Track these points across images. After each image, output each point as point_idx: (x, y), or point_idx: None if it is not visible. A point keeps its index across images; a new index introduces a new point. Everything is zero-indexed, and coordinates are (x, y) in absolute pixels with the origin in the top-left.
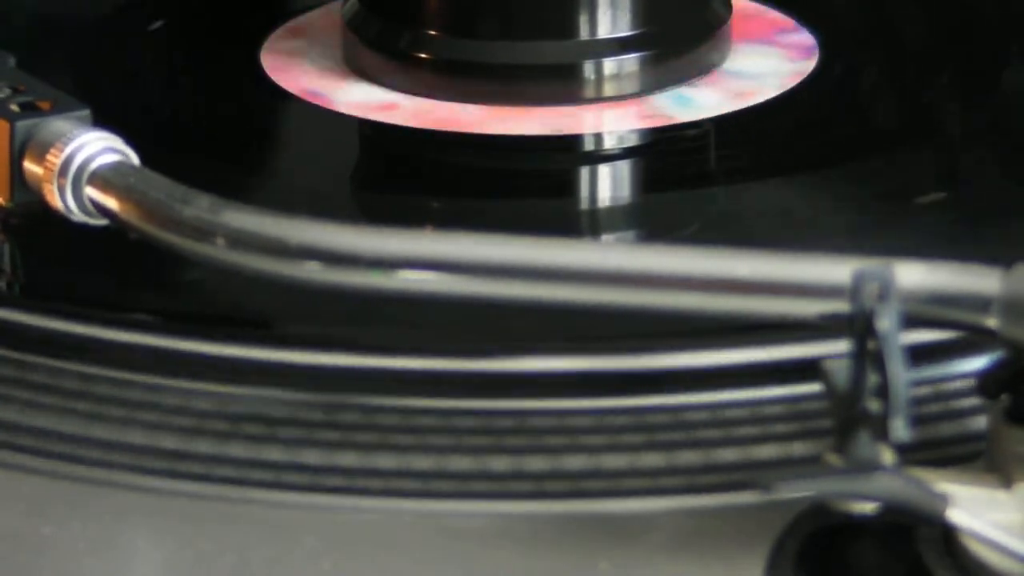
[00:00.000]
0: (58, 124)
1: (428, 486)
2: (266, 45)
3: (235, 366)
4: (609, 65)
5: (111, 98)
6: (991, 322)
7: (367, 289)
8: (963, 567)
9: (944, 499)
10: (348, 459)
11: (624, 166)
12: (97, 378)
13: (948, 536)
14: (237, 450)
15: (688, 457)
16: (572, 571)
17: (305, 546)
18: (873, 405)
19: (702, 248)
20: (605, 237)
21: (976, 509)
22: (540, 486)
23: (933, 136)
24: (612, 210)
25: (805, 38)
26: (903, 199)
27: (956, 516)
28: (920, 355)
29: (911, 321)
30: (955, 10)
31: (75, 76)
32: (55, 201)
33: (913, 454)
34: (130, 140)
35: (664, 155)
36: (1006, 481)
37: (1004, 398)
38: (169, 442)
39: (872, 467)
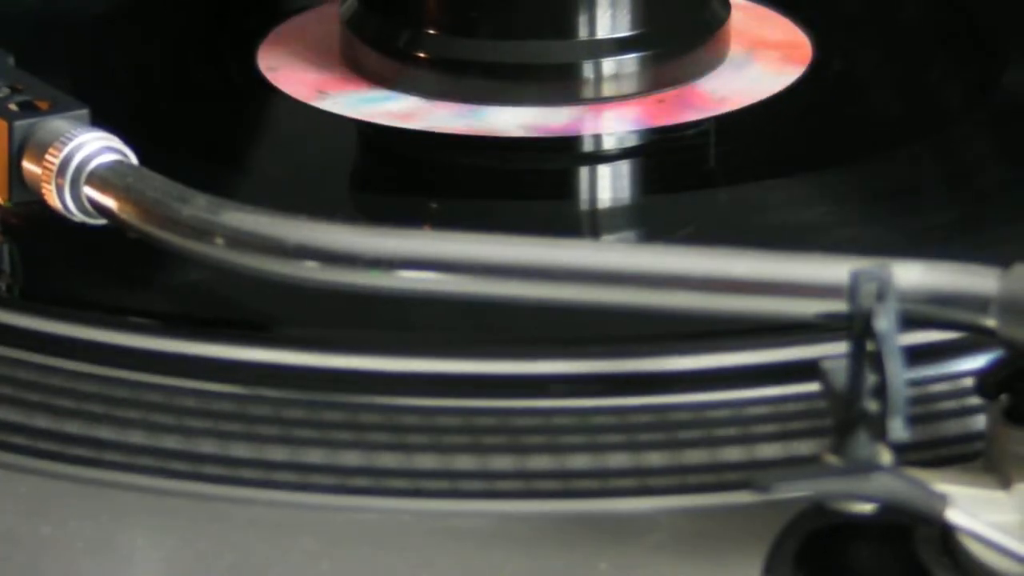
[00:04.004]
0: (57, 124)
1: (427, 486)
2: (264, 45)
3: (234, 366)
4: (609, 65)
5: (109, 97)
6: (990, 322)
7: (366, 289)
8: (961, 567)
9: (943, 499)
10: (347, 459)
11: (624, 166)
12: (96, 378)
13: (946, 536)
14: (236, 450)
15: (687, 457)
16: (572, 571)
17: (304, 546)
18: (871, 405)
19: (702, 248)
20: (605, 237)
21: (975, 509)
22: (540, 486)
23: (932, 136)
24: (612, 210)
25: (803, 37)
26: (903, 199)
27: (954, 516)
28: (919, 355)
29: (909, 321)
30: (955, 9)
31: (73, 75)
32: (54, 201)
33: (912, 454)
34: (128, 140)
35: (664, 155)
36: (1005, 481)
37: (1003, 398)
38: (168, 442)
39: (870, 467)
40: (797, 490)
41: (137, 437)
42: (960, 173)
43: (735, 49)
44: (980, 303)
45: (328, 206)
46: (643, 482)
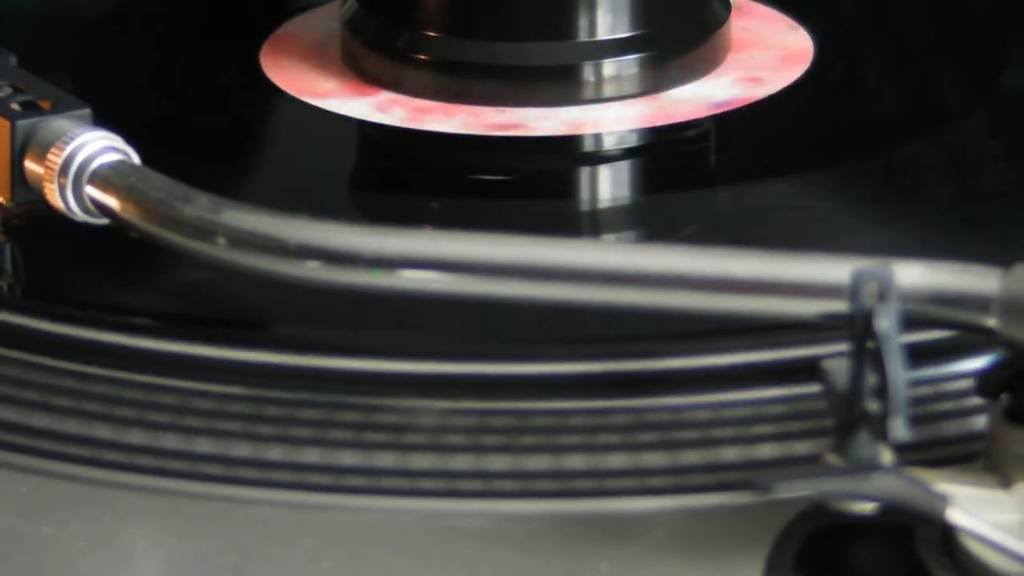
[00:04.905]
0: (59, 123)
1: (428, 486)
2: (265, 45)
3: (235, 366)
4: (609, 66)
5: (111, 97)
6: (990, 322)
7: (367, 289)
8: (962, 567)
9: (943, 499)
10: (348, 459)
11: (624, 166)
12: (97, 378)
13: (947, 536)
14: (237, 450)
15: (688, 457)
16: (572, 571)
17: (304, 546)
18: (872, 405)
19: (701, 248)
20: (605, 237)
21: (975, 509)
22: (540, 486)
23: (932, 136)
24: (612, 210)
25: (804, 37)
26: (903, 199)
27: (955, 516)
28: (920, 355)
29: (910, 321)
30: (955, 9)
31: (75, 75)
32: (56, 200)
33: (913, 454)
34: (130, 139)
35: (664, 155)
36: (1005, 481)
37: (1004, 398)
38: (169, 442)
39: (871, 467)
40: (798, 490)
41: (137, 437)
42: (960, 173)
43: (735, 48)
44: (981, 303)
45: (329, 206)
46: (643, 482)
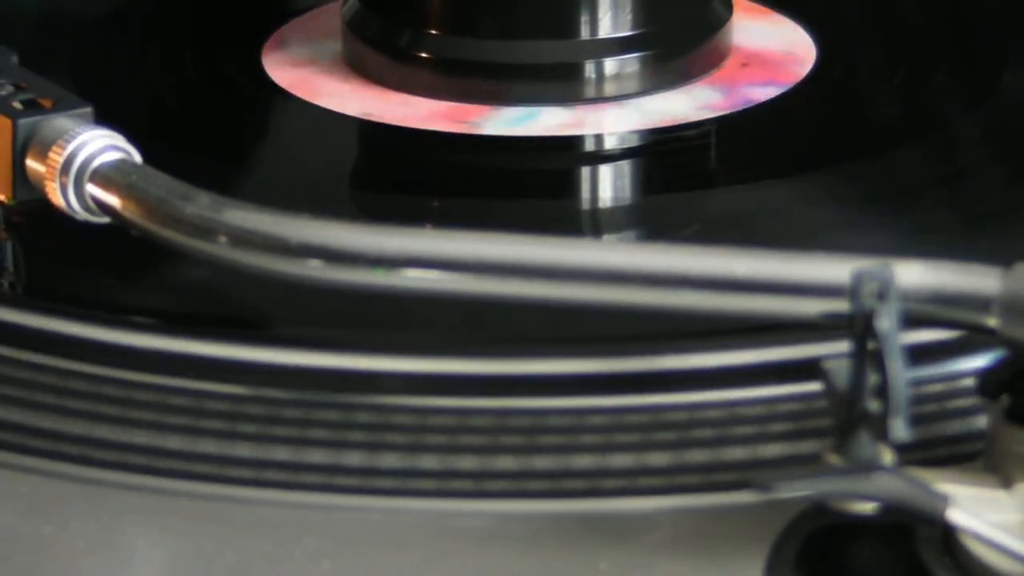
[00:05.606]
0: (60, 122)
1: (427, 486)
2: (267, 44)
3: (236, 365)
4: (609, 65)
5: (113, 96)
6: (991, 321)
7: (368, 288)
8: (963, 567)
9: (944, 499)
10: (348, 459)
11: (624, 166)
12: (98, 377)
13: (948, 536)
14: (236, 450)
15: (688, 457)
16: (572, 571)
17: (305, 546)
18: (873, 405)
19: (702, 248)
20: (605, 237)
21: (976, 509)
22: (540, 486)
23: (933, 136)
24: (612, 210)
25: (804, 38)
26: (903, 199)
27: (956, 516)
28: (920, 355)
29: (911, 320)
30: (955, 10)
31: (77, 74)
32: (57, 199)
33: (913, 454)
34: (131, 138)
35: (664, 155)
36: (1006, 481)
37: (1004, 398)
38: (169, 442)
39: (872, 467)
40: (798, 490)
41: (137, 437)
42: (960, 173)
43: (737, 48)
44: (981, 302)
45: (331, 205)
46: (643, 482)
